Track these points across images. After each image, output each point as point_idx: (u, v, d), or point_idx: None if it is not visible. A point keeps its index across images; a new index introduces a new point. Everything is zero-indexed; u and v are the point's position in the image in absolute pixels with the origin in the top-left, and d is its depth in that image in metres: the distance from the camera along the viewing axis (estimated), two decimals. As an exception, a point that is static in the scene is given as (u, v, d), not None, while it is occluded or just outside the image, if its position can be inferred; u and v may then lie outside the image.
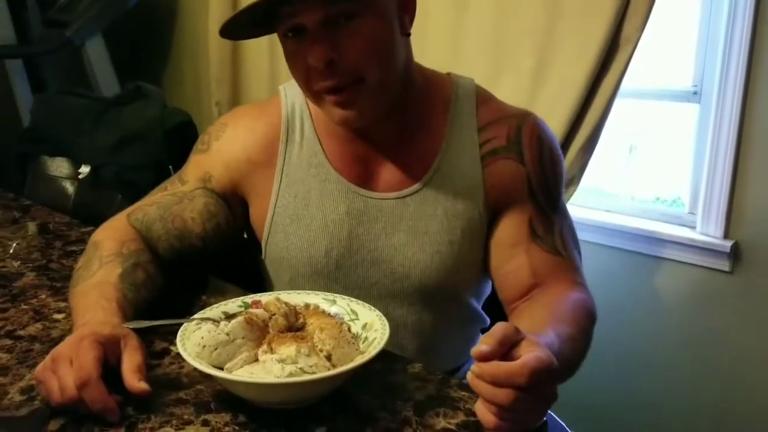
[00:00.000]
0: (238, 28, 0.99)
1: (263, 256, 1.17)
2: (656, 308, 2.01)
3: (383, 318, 0.90)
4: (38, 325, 1.05)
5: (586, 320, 1.02)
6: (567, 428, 1.31)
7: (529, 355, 0.73)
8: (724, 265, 1.86)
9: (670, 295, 1.99)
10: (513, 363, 0.73)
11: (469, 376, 0.75)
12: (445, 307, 1.16)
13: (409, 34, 1.04)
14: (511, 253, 1.09)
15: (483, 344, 0.74)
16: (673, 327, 2.00)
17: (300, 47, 0.97)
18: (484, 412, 0.76)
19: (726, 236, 1.86)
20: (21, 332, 1.03)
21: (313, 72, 0.97)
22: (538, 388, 0.73)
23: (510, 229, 1.09)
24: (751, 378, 1.89)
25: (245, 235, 1.25)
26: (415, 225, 1.09)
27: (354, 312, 0.94)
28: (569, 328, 0.96)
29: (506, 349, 0.75)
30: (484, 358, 0.74)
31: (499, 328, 0.75)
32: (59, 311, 1.10)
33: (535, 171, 1.09)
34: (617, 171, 2.17)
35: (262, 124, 1.14)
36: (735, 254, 1.85)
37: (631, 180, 2.14)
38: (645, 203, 2.10)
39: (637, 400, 2.10)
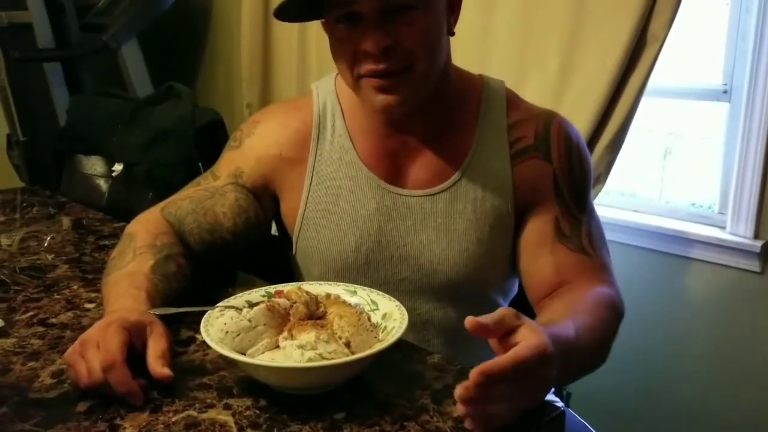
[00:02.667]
0: (289, 10, 1.01)
1: (294, 251, 1.19)
2: (685, 309, 1.99)
3: (402, 308, 0.92)
4: (69, 314, 1.09)
5: (607, 312, 1.02)
6: (589, 426, 1.31)
7: (519, 345, 0.74)
8: (755, 265, 1.83)
9: (700, 295, 1.96)
10: (501, 359, 0.73)
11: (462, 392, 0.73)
12: (472, 304, 1.17)
13: (453, 34, 1.08)
14: (538, 253, 1.10)
15: (481, 318, 0.75)
16: (703, 328, 1.97)
17: (352, 33, 1.00)
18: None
19: (756, 236, 1.83)
20: (53, 320, 1.07)
21: (362, 56, 1.00)
22: (530, 373, 0.73)
23: (536, 228, 1.11)
24: (783, 380, 1.86)
25: (275, 232, 1.27)
26: (444, 222, 1.11)
27: (374, 302, 0.96)
28: (587, 317, 0.96)
29: (502, 332, 0.76)
30: (478, 329, 0.75)
31: (499, 311, 0.76)
32: (90, 301, 1.14)
33: (562, 169, 1.10)
34: (652, 175, 2.14)
35: (294, 121, 1.17)
36: (765, 254, 1.82)
37: (667, 184, 2.12)
38: (674, 203, 2.08)
39: (665, 401, 2.08)
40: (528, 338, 0.74)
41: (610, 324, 1.01)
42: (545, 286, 1.09)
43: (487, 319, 0.75)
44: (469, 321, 0.75)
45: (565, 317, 0.92)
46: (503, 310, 0.77)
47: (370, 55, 0.98)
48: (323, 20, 1.06)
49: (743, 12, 1.80)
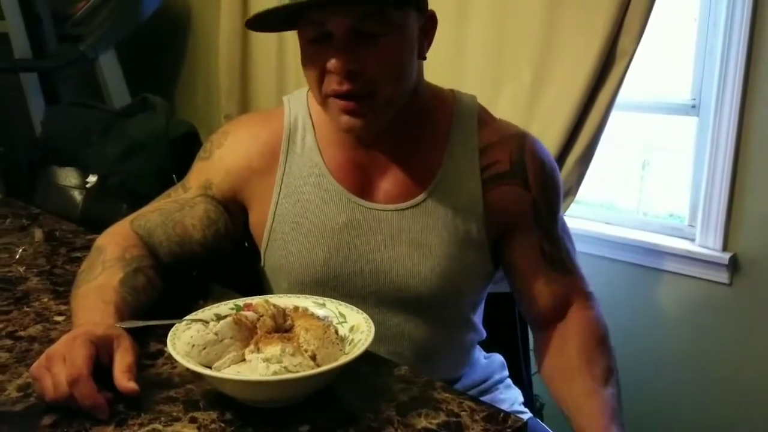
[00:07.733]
0: (262, 22, 1.02)
1: (262, 264, 1.19)
2: (655, 320, 2.02)
3: (369, 321, 0.93)
4: (39, 327, 1.09)
5: (607, 343, 1.15)
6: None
7: None
8: (723, 277, 1.86)
9: (669, 307, 1.99)
10: None
11: None
12: (442, 316, 1.18)
13: (424, 58, 1.09)
14: (531, 281, 1.15)
15: None
16: (672, 339, 2.00)
17: (321, 51, 1.00)
18: None
19: (725, 248, 1.86)
20: (21, 333, 1.06)
21: (328, 75, 1.00)
22: None
23: (523, 254, 1.14)
24: (752, 390, 1.88)
25: (246, 244, 1.27)
26: (415, 238, 1.11)
27: (342, 315, 0.97)
28: (601, 360, 1.11)
29: None
30: None
31: None
32: (60, 314, 1.14)
33: (540, 195, 1.13)
34: (629, 187, 2.17)
35: (264, 132, 1.17)
36: (734, 266, 1.85)
37: (644, 196, 2.15)
38: (645, 216, 2.11)
39: (635, 411, 2.09)
40: None
41: (612, 353, 1.14)
42: (545, 313, 1.16)
43: None
44: None
45: (588, 380, 1.08)
46: None
47: (335, 75, 0.99)
48: (298, 31, 1.06)
49: (711, 28, 1.84)
